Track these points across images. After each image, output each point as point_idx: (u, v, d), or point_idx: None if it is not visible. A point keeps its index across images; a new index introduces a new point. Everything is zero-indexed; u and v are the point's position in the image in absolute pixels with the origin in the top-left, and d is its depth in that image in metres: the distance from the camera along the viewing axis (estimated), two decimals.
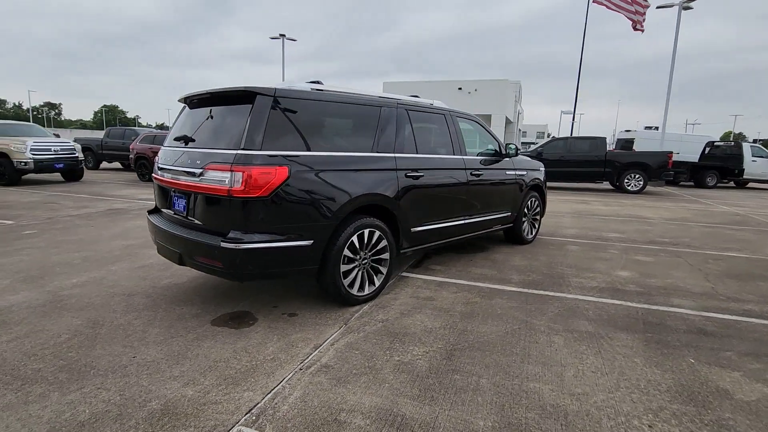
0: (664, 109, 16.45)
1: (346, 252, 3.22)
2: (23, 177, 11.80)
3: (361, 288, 3.41)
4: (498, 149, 5.00)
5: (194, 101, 3.36)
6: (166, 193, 3.36)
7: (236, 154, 2.72)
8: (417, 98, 4.24)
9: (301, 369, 2.43)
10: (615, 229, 6.83)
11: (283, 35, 23.61)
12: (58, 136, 13.73)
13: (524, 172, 5.35)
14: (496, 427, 1.95)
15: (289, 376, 2.35)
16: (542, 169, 5.88)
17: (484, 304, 3.47)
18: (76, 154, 12.45)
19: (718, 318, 3.27)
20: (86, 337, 2.77)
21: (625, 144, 19.64)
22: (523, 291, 3.81)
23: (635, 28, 16.31)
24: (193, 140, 3.13)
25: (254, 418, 1.99)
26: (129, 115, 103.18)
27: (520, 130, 42.71)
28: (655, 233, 6.60)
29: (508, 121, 34.15)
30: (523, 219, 5.47)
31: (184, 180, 3.03)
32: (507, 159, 5.08)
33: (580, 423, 1.99)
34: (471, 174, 4.42)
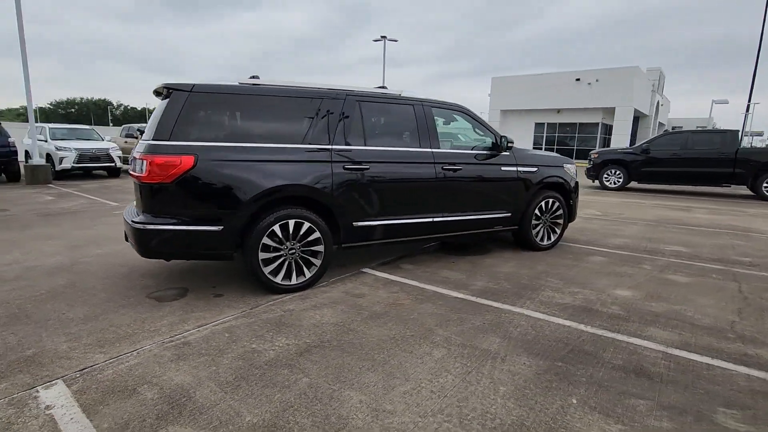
0: None
1: (266, 240, 3.31)
2: None
3: (288, 277, 3.46)
4: (495, 142, 4.50)
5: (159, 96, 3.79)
6: None
7: (147, 144, 3.04)
8: (383, 89, 4.08)
9: (163, 342, 2.63)
10: (685, 243, 5.53)
11: (384, 37, 24.39)
12: None
13: (533, 169, 4.70)
14: (258, 425, 1.87)
15: (145, 347, 2.57)
16: (568, 165, 5.09)
17: (407, 308, 3.22)
18: None
19: (688, 359, 2.49)
20: (53, 294, 3.40)
21: None
22: (467, 299, 3.41)
23: None
24: (142, 132, 3.57)
25: (77, 375, 2.25)
26: None
27: (661, 124, 36.61)
28: (740, 251, 5.15)
29: (641, 115, 29.63)
30: (535, 222, 4.81)
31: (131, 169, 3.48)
32: (506, 153, 4.54)
33: None
34: (443, 168, 4.08)
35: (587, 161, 12.84)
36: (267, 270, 3.36)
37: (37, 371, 2.29)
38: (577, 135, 28.23)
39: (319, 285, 3.69)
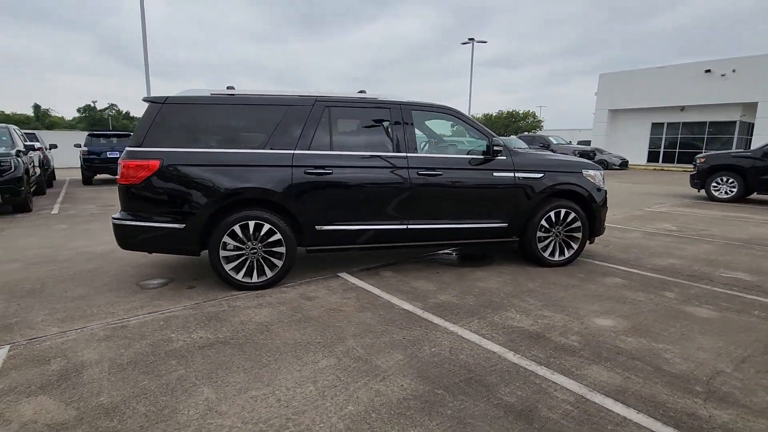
0: None
1: (226, 239, 3.54)
2: None
3: (249, 275, 3.65)
4: (489, 146, 4.13)
5: None
6: None
7: (125, 150, 3.49)
8: (361, 94, 4.05)
9: (108, 323, 2.99)
10: (758, 269, 4.40)
11: (471, 39, 23.59)
12: None
13: (537, 175, 4.20)
14: (102, 406, 2.04)
15: (92, 325, 2.96)
16: (589, 172, 4.43)
17: (343, 315, 3.16)
18: None
19: (604, 408, 2.02)
20: (75, 276, 4.07)
21: None
22: (413, 312, 3.21)
23: None
24: None
25: (24, 343, 2.70)
26: None
27: None
28: None
29: None
30: (543, 234, 4.29)
31: None
32: (502, 158, 4.14)
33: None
34: (419, 174, 3.89)
35: (692, 166, 10.91)
36: (228, 267, 3.59)
37: (2, 335, 2.80)
38: (706, 136, 23.99)
39: (285, 284, 3.81)
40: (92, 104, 78.18)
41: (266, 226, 3.60)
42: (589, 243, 4.67)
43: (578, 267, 4.42)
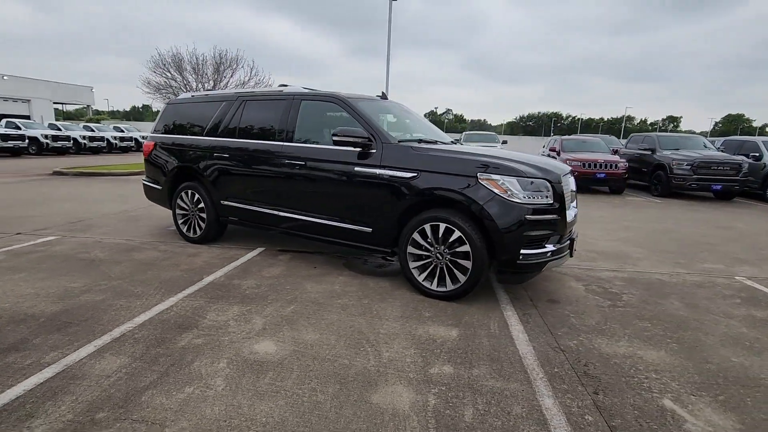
0: None
1: (179, 202, 4.84)
2: None
3: (189, 231, 4.83)
4: (366, 137, 3.51)
5: None
6: None
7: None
8: (283, 87, 4.33)
9: (101, 239, 4.88)
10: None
11: None
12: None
13: (407, 174, 3.26)
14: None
15: (95, 237, 4.91)
16: (491, 176, 2.97)
17: (174, 268, 3.85)
18: None
19: None
20: (160, 218, 6.39)
21: None
22: (196, 283, 3.52)
23: None
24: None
25: (67, 236, 4.90)
26: (755, 124, 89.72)
27: None
28: None
29: None
30: (421, 252, 3.28)
31: None
32: (371, 151, 3.46)
33: None
34: (284, 163, 3.88)
35: None
36: (180, 222, 4.89)
37: (70, 232, 5.14)
38: None
39: (215, 244, 4.74)
40: (434, 110, 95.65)
41: (197, 196, 4.65)
42: (498, 279, 3.12)
43: (451, 306, 3.12)
